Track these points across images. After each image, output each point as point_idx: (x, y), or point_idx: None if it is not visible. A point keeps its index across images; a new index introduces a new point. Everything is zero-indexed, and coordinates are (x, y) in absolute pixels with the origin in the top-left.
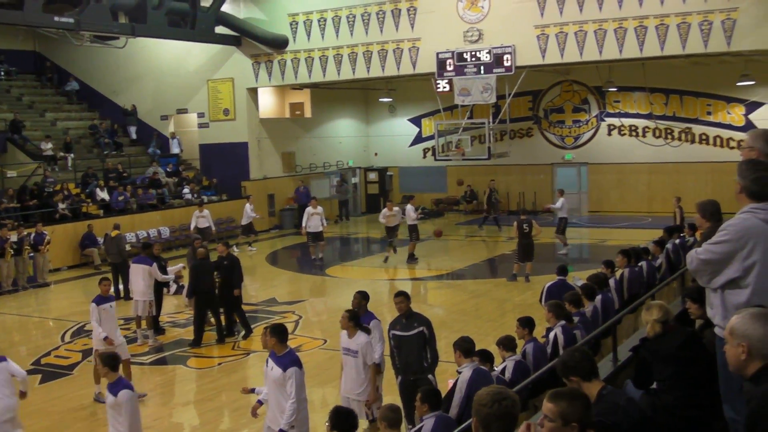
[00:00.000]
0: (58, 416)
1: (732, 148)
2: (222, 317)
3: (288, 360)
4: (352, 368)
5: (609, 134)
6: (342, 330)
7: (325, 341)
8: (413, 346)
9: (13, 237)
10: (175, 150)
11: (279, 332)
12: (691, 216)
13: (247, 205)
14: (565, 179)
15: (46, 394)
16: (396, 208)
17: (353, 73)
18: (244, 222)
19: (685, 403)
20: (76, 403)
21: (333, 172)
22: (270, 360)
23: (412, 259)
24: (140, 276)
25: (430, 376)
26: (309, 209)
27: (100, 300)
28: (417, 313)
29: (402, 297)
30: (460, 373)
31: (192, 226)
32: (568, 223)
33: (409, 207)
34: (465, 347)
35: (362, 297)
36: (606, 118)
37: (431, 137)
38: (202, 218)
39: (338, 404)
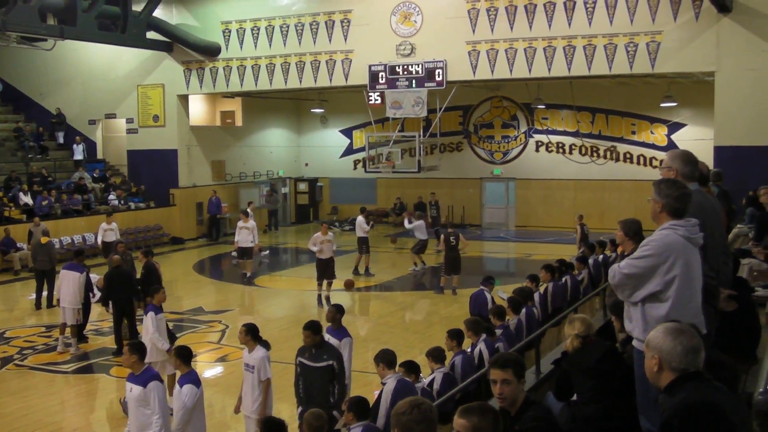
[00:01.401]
0: None
1: (655, 167)
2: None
3: (148, 376)
4: (248, 384)
5: (537, 150)
6: (242, 344)
7: None
8: (317, 379)
9: None
10: (78, 156)
11: (139, 350)
12: (601, 232)
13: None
14: (493, 194)
15: None
16: (331, 234)
17: (285, 83)
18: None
19: (604, 414)
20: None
21: (263, 182)
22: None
23: (367, 273)
24: (71, 283)
25: (335, 413)
26: (240, 222)
27: None
28: (329, 344)
29: (309, 331)
30: (384, 384)
31: (99, 240)
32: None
33: (360, 219)
34: (387, 359)
35: (336, 310)
36: (534, 135)
37: (362, 149)
38: (109, 231)
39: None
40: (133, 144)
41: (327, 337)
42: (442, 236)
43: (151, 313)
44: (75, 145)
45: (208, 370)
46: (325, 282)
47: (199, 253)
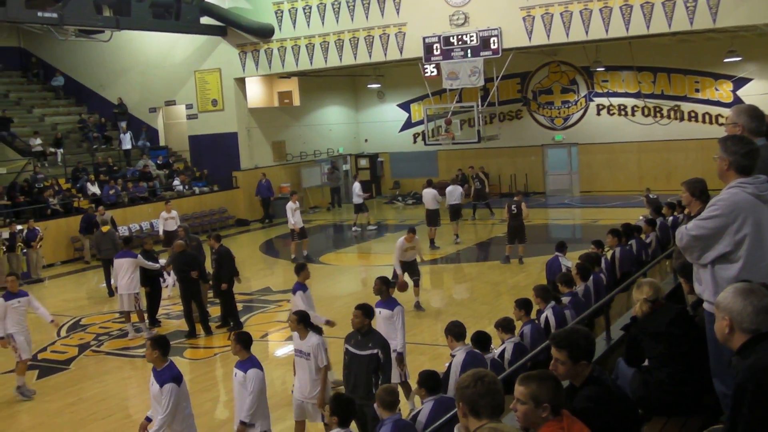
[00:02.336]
0: (56, 410)
1: (721, 124)
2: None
3: (167, 376)
4: (305, 371)
5: (598, 114)
6: (293, 332)
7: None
8: (363, 368)
9: (5, 233)
10: (126, 146)
11: (161, 345)
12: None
13: (356, 184)
14: (555, 160)
15: (43, 388)
16: (416, 238)
17: (340, 60)
18: (356, 201)
19: (676, 379)
20: (75, 397)
21: (324, 160)
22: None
23: (432, 246)
24: (125, 270)
25: (376, 406)
26: (290, 205)
27: (8, 296)
28: (376, 331)
29: (360, 311)
30: (453, 356)
31: (161, 230)
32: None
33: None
34: (456, 331)
35: (382, 282)
36: (595, 98)
37: (421, 122)
38: (170, 219)
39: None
40: (193, 129)
41: (378, 310)
42: (506, 205)
43: (299, 292)
44: (122, 134)
45: (279, 349)
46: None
47: (265, 234)
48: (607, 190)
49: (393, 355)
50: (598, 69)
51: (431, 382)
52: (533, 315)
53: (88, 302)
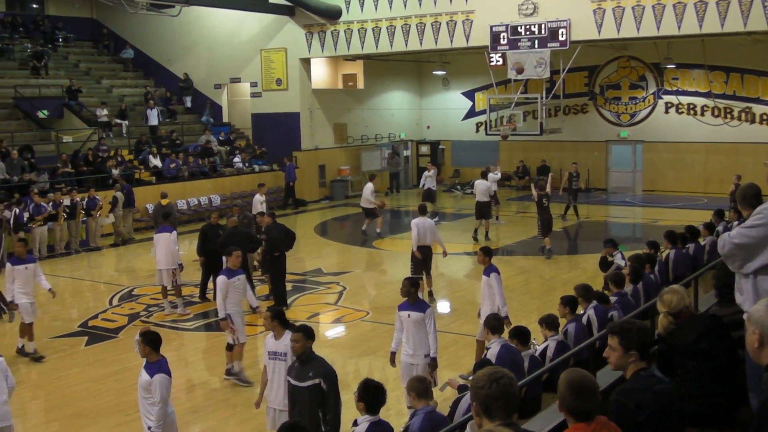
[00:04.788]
0: (100, 377)
1: None
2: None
3: (158, 368)
4: (281, 374)
5: (666, 112)
6: (267, 331)
7: (368, 313)
8: (305, 402)
9: (67, 201)
10: (152, 122)
11: (152, 341)
12: None
13: (368, 185)
14: (619, 157)
15: (91, 356)
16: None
17: (406, 45)
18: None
19: (709, 392)
20: (120, 366)
21: (384, 144)
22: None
23: (486, 238)
24: (163, 245)
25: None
26: (370, 186)
27: (15, 261)
28: (319, 358)
29: (300, 334)
30: (488, 348)
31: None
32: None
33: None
34: (492, 324)
35: (411, 284)
36: (663, 96)
37: (484, 111)
38: (265, 203)
39: (368, 377)
40: (257, 107)
41: (407, 313)
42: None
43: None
44: (149, 110)
45: (327, 330)
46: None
47: (322, 215)
48: (671, 190)
49: (425, 361)
50: (668, 66)
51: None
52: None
53: (141, 273)
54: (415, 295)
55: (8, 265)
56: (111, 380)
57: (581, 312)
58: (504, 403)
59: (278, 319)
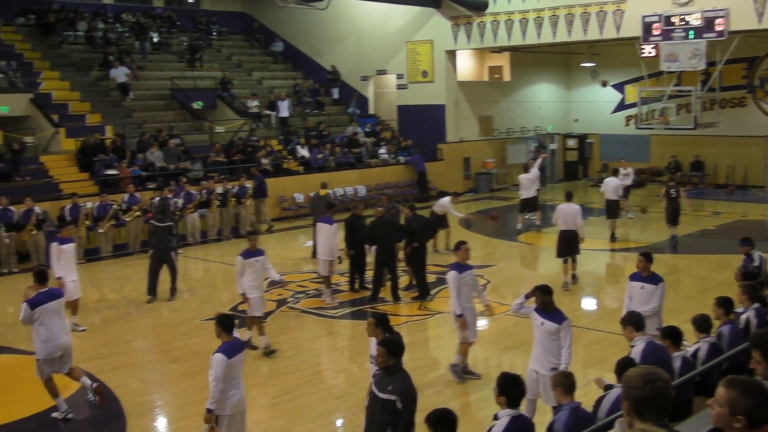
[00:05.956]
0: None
1: None
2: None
3: (221, 348)
4: None
5: None
6: (369, 337)
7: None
8: (376, 415)
9: (219, 189)
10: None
11: (223, 324)
12: None
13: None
14: None
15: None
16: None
17: (554, 36)
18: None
19: None
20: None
21: (530, 138)
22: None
23: (612, 238)
24: (322, 236)
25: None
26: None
27: (247, 254)
28: (403, 374)
29: (383, 350)
30: (633, 347)
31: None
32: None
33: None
34: (634, 321)
35: (544, 293)
36: None
37: (634, 104)
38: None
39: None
40: (402, 99)
41: (540, 321)
42: (665, 188)
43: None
44: (280, 102)
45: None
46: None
47: (466, 208)
48: None
49: (550, 374)
50: None
51: (624, 370)
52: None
53: (291, 260)
54: (551, 303)
55: (240, 258)
56: (259, 364)
57: (739, 310)
58: (657, 405)
59: (382, 326)
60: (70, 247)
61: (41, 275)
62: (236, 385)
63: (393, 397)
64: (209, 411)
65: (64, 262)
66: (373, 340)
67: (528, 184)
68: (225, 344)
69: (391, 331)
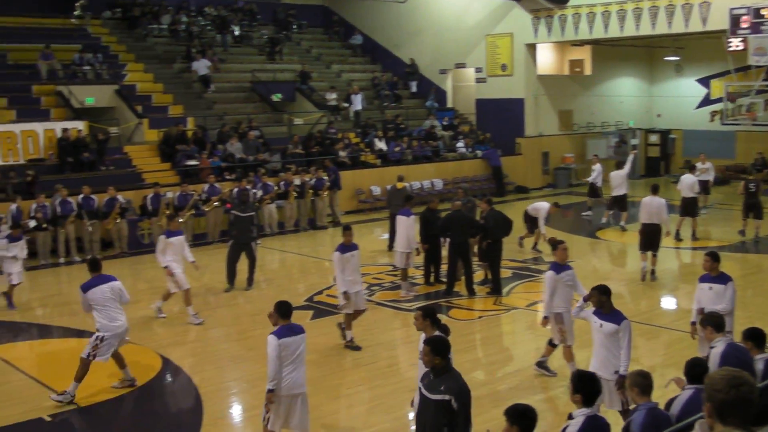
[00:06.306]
0: (325, 350)
1: None
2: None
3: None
4: None
5: None
6: (418, 331)
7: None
8: (430, 416)
9: (297, 181)
10: (357, 107)
11: (281, 310)
12: None
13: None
14: None
15: (315, 329)
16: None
17: (637, 29)
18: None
19: None
20: (341, 341)
21: (611, 132)
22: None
23: (693, 236)
24: (400, 228)
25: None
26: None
27: (343, 249)
28: (454, 373)
29: (427, 348)
30: (713, 348)
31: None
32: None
33: (689, 177)
34: (715, 321)
35: (600, 293)
36: None
37: (720, 99)
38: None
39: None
40: (481, 93)
41: (599, 323)
42: (743, 183)
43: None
44: (353, 95)
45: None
46: None
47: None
48: None
49: (614, 377)
50: None
51: (695, 370)
52: None
53: (366, 252)
54: (608, 304)
55: (336, 254)
56: (334, 354)
57: None
58: (741, 411)
59: (430, 318)
60: (177, 240)
61: (94, 264)
62: (294, 368)
63: (447, 397)
64: (269, 391)
65: (171, 255)
66: (422, 337)
67: (620, 181)
68: (280, 327)
69: (440, 325)
